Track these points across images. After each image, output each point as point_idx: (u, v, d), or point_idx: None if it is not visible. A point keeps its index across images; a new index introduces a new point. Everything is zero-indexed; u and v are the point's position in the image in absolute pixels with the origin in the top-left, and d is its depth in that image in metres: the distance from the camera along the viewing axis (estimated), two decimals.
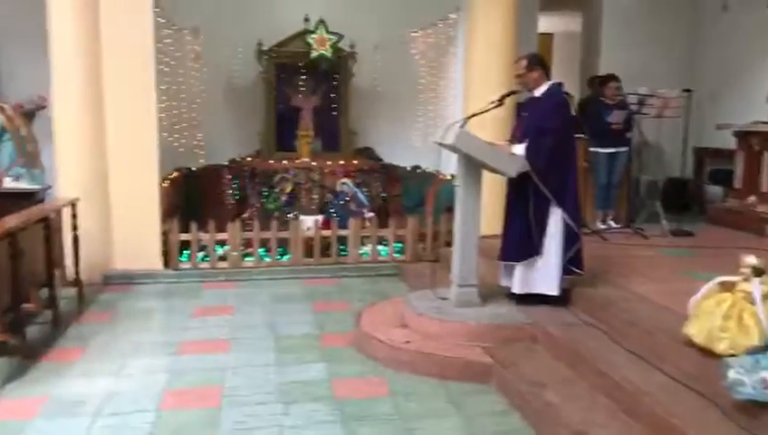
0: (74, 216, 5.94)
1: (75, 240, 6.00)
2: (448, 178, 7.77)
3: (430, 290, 5.11)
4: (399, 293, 6.12)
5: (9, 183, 6.17)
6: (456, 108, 7.70)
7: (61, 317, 5.45)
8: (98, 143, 6.48)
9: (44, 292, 5.59)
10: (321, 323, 5.49)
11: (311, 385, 4.21)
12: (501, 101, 4.88)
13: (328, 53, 8.07)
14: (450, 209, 7.43)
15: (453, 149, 4.70)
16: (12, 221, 4.82)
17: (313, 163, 8.23)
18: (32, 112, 7.44)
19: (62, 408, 3.90)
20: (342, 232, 7.12)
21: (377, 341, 4.68)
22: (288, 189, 8.09)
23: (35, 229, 5.28)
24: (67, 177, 6.38)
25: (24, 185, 6.65)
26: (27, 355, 4.66)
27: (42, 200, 6.72)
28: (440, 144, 4.81)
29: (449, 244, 7.15)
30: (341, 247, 7.16)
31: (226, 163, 8.60)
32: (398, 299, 5.54)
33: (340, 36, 8.11)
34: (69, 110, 6.33)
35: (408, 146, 8.74)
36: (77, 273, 6.06)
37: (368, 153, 8.97)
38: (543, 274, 4.78)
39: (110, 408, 3.90)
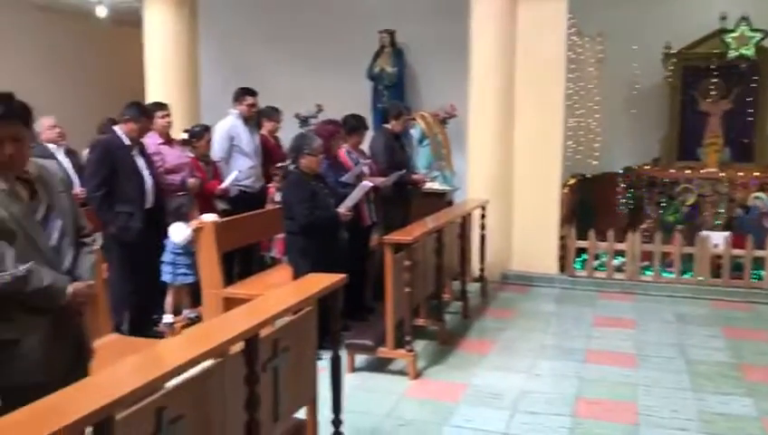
0: (483, 216, 6.35)
1: (482, 239, 6.42)
2: None
3: None
4: None
5: (428, 184, 6.84)
6: None
7: (469, 310, 5.87)
8: (506, 149, 6.81)
9: (455, 284, 6.13)
10: (737, 351, 4.95)
11: (738, 421, 3.81)
12: None
13: (749, 51, 7.25)
14: None
15: None
16: (438, 220, 5.34)
17: (721, 174, 7.48)
18: (444, 120, 8.18)
19: (482, 398, 4.16)
20: (760, 252, 6.33)
21: None
22: (690, 201, 7.50)
23: (453, 227, 5.80)
24: (477, 179, 6.85)
25: (437, 186, 7.34)
26: (444, 341, 5.13)
27: (450, 201, 7.33)
28: None
29: None
30: (755, 270, 6.39)
31: (620, 171, 8.34)
32: None
33: (766, 33, 7.22)
34: (483, 118, 6.76)
35: None
36: (481, 269, 6.49)
37: None
38: None
39: (525, 405, 4.04)
